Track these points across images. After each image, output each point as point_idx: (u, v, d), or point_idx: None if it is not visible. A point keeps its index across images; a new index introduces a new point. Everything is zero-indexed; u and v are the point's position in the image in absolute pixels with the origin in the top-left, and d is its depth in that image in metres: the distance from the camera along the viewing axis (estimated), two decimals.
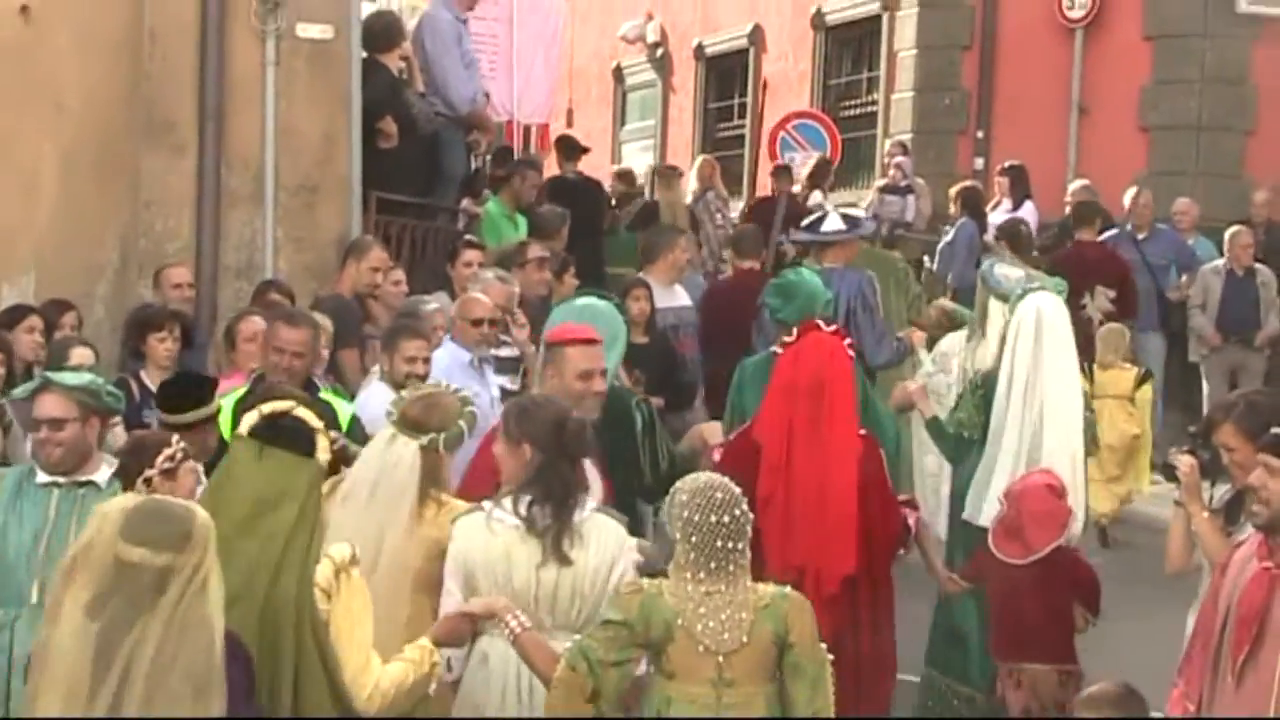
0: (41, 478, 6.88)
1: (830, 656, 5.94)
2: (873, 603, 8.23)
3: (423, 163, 13.75)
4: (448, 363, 9.65)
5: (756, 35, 24.16)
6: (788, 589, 5.98)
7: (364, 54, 12.92)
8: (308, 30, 12.09)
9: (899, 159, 18.96)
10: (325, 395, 8.84)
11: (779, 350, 8.48)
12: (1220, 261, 15.93)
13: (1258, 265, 15.92)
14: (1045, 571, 8.12)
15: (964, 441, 9.43)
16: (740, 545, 5.86)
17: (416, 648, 6.02)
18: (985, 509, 8.97)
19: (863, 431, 8.24)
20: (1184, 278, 16.08)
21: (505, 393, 9.80)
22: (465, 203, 14.44)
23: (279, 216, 12.12)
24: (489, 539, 6.44)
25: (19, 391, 7.40)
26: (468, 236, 13.01)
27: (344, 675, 5.73)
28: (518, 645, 6.14)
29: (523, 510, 6.45)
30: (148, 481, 6.55)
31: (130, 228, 11.72)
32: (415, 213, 13.69)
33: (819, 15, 22.82)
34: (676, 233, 13.53)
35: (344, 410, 8.76)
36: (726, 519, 5.84)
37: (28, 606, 6.65)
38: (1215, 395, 15.47)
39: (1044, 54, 19.79)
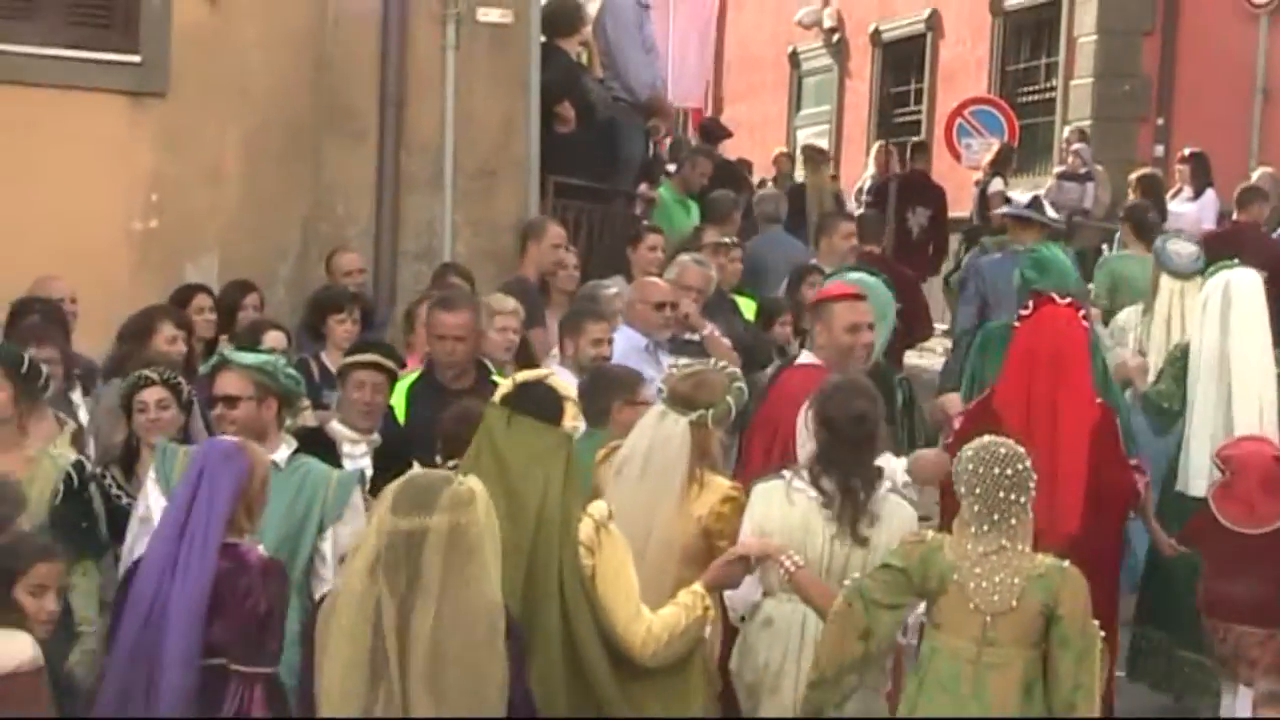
0: None
1: (1103, 634, 6.13)
2: (1099, 564, 8.20)
3: (600, 148, 13.78)
4: (624, 347, 9.65)
5: (934, 20, 24.05)
6: (1066, 563, 6.15)
7: (543, 39, 12.99)
8: (488, 15, 12.15)
9: (1077, 146, 18.78)
10: (497, 378, 8.90)
11: (1017, 323, 8.63)
12: None
13: None
14: (1269, 541, 8.25)
15: (1166, 413, 9.66)
16: (1023, 499, 6.10)
17: (689, 592, 6.22)
18: (1191, 479, 9.21)
19: (1099, 401, 8.40)
20: None
21: None
22: (642, 188, 14.48)
23: (457, 200, 12.19)
24: (788, 508, 6.72)
25: (204, 369, 7.54)
26: (647, 222, 13.05)
27: (617, 625, 5.93)
28: (794, 581, 6.48)
29: (821, 484, 6.71)
30: None
31: (312, 211, 11.86)
32: (592, 197, 13.73)
33: (998, 0, 22.66)
34: (839, 217, 13.40)
35: None
36: (1009, 472, 6.08)
37: None
38: None
39: (1227, 39, 19.53)
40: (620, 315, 10.20)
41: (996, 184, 17.55)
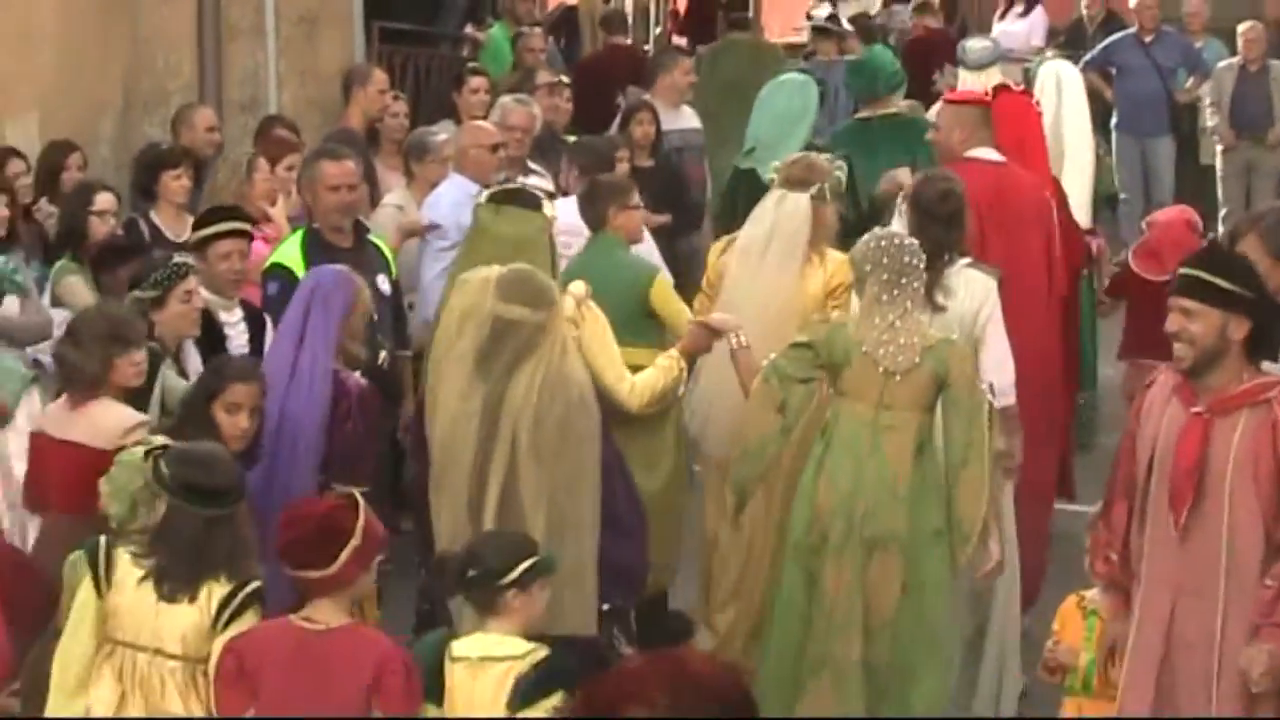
0: None
1: (990, 398, 6.83)
2: (1062, 315, 8.80)
3: None
4: (455, 196, 9.47)
5: None
6: (953, 335, 6.92)
7: None
8: None
9: None
10: (374, 238, 8.89)
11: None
12: (1234, 59, 15.72)
13: (1271, 62, 15.64)
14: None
15: None
16: (922, 271, 6.80)
17: (667, 356, 7.30)
18: None
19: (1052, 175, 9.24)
20: (1191, 80, 15.91)
21: None
22: (468, 28, 14.32)
23: (281, 49, 12.03)
24: None
25: None
26: (472, 64, 12.89)
27: (606, 381, 6.93)
28: (734, 359, 7.27)
29: None
30: None
31: (132, 66, 11.64)
32: (418, 41, 13.61)
33: None
34: (676, 53, 13.30)
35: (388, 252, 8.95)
36: (909, 243, 6.82)
37: None
38: (1229, 195, 15.60)
39: None
40: (450, 163, 10.05)
41: (824, 9, 17.53)
